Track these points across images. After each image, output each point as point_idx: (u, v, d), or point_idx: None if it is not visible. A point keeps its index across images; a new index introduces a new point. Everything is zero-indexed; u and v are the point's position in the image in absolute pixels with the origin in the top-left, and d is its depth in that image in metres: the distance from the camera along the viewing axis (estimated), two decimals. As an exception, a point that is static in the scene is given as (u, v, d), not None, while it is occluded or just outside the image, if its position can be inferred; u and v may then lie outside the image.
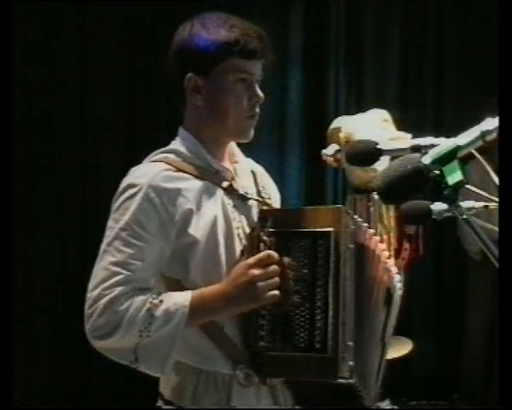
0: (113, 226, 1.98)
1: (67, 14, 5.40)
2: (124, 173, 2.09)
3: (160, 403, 2.08)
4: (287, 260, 1.96)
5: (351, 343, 1.93)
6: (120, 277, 1.93)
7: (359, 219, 2.07)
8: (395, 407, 3.12)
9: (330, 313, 1.92)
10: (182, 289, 1.99)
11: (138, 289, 1.94)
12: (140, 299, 1.92)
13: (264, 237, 1.99)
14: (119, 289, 1.92)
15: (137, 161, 2.16)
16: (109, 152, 5.50)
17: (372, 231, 2.11)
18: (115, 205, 2.01)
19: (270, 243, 1.98)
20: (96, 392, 5.38)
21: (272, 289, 1.94)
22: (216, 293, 1.96)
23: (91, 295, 1.93)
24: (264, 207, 2.11)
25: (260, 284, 1.93)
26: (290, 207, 2.11)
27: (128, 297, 1.92)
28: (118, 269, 1.93)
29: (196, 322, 1.97)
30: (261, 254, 1.96)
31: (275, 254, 1.96)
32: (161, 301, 1.93)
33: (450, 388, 5.78)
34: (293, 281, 1.95)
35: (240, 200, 2.08)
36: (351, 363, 1.92)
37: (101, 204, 5.21)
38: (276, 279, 1.94)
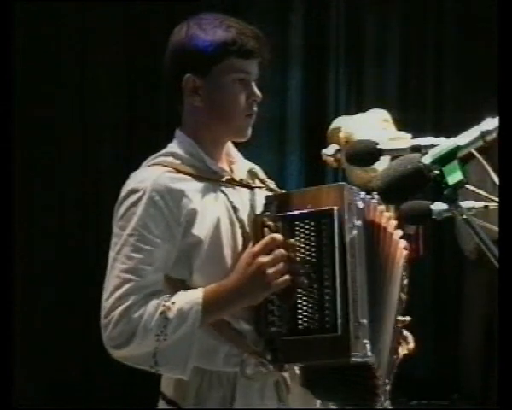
0: (120, 234, 1.98)
1: (67, 14, 5.40)
2: (124, 174, 2.09)
3: (161, 403, 2.08)
4: (291, 241, 1.95)
5: (365, 321, 1.92)
6: (132, 284, 1.94)
7: (368, 196, 2.05)
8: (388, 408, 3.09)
9: (338, 292, 1.89)
10: (187, 289, 1.99)
11: (150, 295, 1.95)
12: (152, 304, 1.93)
13: (269, 222, 1.97)
14: (132, 299, 1.93)
15: (137, 161, 2.15)
16: (109, 152, 5.50)
17: (382, 206, 2.09)
18: (120, 212, 2.00)
19: (275, 228, 1.97)
20: (96, 392, 5.38)
21: (281, 274, 1.93)
22: (227, 287, 1.96)
23: (106, 304, 1.95)
24: (269, 194, 2.09)
25: (269, 270, 1.92)
26: (293, 190, 2.09)
27: (141, 305, 1.93)
28: (129, 276, 1.94)
29: (211, 318, 1.96)
30: (265, 239, 1.95)
31: (279, 236, 1.95)
32: (174, 303, 1.94)
33: (450, 388, 5.78)
34: (300, 263, 1.94)
35: (241, 199, 2.08)
36: (365, 341, 1.92)
37: (101, 204, 5.25)
38: (284, 264, 1.93)
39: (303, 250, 1.94)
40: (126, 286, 1.93)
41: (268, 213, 1.99)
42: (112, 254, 1.99)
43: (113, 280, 1.95)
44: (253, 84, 2.07)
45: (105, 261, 2.01)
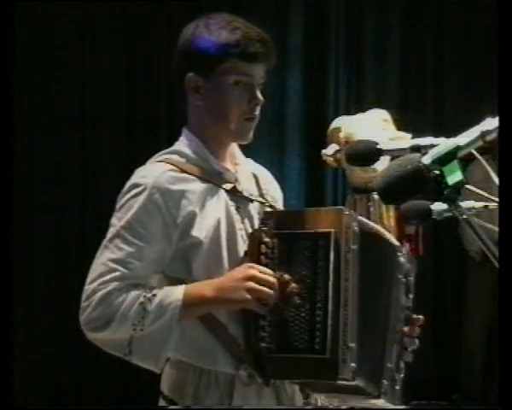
0: (115, 224, 2.00)
1: (67, 14, 5.40)
2: (124, 173, 2.10)
3: (162, 402, 2.08)
4: (287, 277, 1.95)
5: (353, 345, 1.92)
6: (117, 273, 1.95)
7: (364, 220, 2.05)
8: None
9: (330, 315, 1.91)
10: None
11: (133, 285, 1.96)
12: (134, 293, 1.95)
13: (266, 239, 1.99)
14: (113, 284, 1.94)
15: (137, 160, 2.16)
16: (109, 152, 5.50)
17: (380, 229, 2.11)
18: (119, 203, 2.02)
19: (272, 245, 1.98)
20: (96, 392, 5.37)
21: (263, 298, 1.93)
22: (211, 285, 1.97)
23: (88, 288, 1.97)
24: (268, 209, 2.10)
25: (252, 284, 1.93)
26: (293, 209, 2.10)
27: (122, 292, 1.95)
28: (115, 266, 1.96)
29: (191, 315, 1.97)
30: (265, 269, 1.95)
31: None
32: (154, 295, 1.95)
33: (450, 388, 5.78)
34: (293, 282, 1.94)
35: (243, 202, 2.08)
36: (353, 365, 1.92)
37: (101, 204, 5.25)
38: (269, 291, 1.93)
39: (298, 270, 1.95)
40: (112, 275, 1.95)
41: (266, 229, 2.00)
42: (104, 241, 2.01)
43: (100, 267, 1.97)
44: (257, 87, 2.06)
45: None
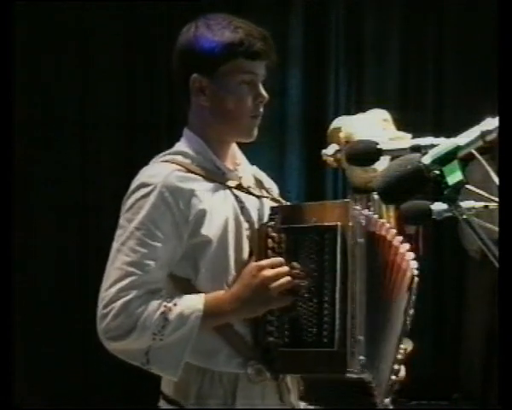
0: (125, 225, 1.98)
1: (67, 14, 5.40)
2: (124, 173, 2.09)
3: (162, 402, 2.08)
4: (296, 264, 1.96)
5: (361, 337, 1.93)
6: (135, 277, 1.93)
7: (369, 213, 2.05)
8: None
9: (337, 308, 1.91)
10: (191, 288, 2.00)
11: (152, 292, 1.95)
12: (154, 303, 1.94)
13: (273, 234, 1.99)
14: (133, 293, 1.92)
15: (137, 161, 2.16)
16: (109, 152, 5.50)
17: (383, 220, 2.09)
18: (127, 204, 2.00)
19: (279, 239, 1.98)
20: (97, 392, 5.37)
21: (284, 291, 1.94)
22: (229, 296, 1.98)
23: (106, 294, 1.94)
24: (274, 204, 2.11)
25: (272, 285, 1.94)
26: (298, 203, 2.10)
27: (143, 301, 1.93)
28: (132, 269, 1.94)
29: (210, 325, 1.97)
30: (273, 260, 1.97)
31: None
32: (175, 305, 1.94)
33: (450, 388, 5.78)
34: (302, 277, 1.95)
35: (248, 201, 2.08)
36: (361, 358, 1.92)
37: (101, 205, 5.25)
38: (288, 278, 1.94)
39: (305, 264, 1.96)
40: (129, 279, 1.93)
41: (272, 223, 2.00)
42: (115, 245, 1.99)
43: (115, 271, 1.95)
44: (260, 85, 2.08)
45: (105, 264, 2.00)
